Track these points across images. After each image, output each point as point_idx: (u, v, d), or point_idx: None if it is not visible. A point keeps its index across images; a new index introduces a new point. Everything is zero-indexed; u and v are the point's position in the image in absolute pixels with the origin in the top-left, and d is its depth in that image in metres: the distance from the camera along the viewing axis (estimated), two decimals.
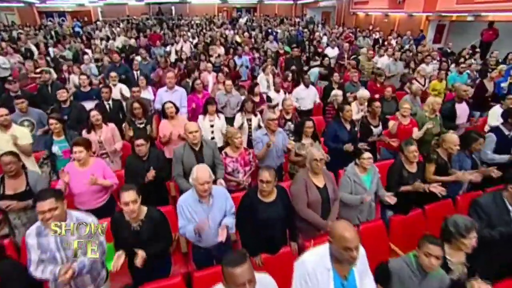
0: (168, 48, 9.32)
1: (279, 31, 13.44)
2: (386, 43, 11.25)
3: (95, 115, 3.55)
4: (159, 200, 3.11)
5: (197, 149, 3.09)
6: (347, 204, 2.98)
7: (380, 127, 4.22)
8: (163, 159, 3.30)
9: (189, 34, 11.13)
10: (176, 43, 9.45)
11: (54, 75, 6.60)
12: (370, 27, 14.61)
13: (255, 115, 4.35)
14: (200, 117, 4.16)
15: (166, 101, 3.96)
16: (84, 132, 3.63)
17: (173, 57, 9.04)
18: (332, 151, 3.76)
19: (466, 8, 11.19)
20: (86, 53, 8.20)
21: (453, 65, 7.87)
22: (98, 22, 14.60)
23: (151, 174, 2.96)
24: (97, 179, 2.78)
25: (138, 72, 6.23)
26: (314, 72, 6.69)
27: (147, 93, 5.20)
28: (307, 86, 5.53)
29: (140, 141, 3.01)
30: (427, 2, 12.32)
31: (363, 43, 11.19)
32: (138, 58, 7.54)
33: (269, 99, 5.33)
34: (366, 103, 4.96)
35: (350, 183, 2.97)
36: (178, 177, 3.11)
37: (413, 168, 3.14)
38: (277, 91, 5.36)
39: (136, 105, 3.85)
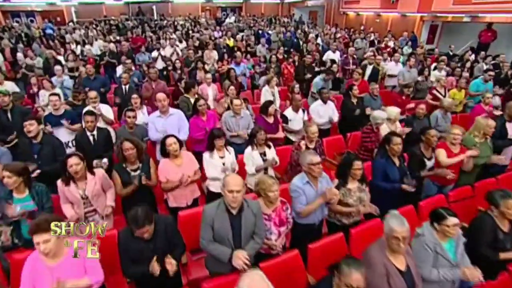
0: (153, 54, 8.21)
1: (270, 32, 12.59)
2: (383, 44, 10.66)
3: (73, 165, 2.51)
4: None
5: (234, 212, 2.19)
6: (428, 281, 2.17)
7: (433, 159, 3.44)
8: (175, 231, 2.33)
9: (174, 36, 10.08)
10: (163, 48, 8.36)
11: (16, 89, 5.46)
12: (362, 27, 14.07)
13: (269, 146, 3.47)
14: (206, 155, 3.21)
15: (166, 135, 3.01)
16: (59, 184, 2.61)
17: (159, 64, 7.98)
18: (381, 193, 2.97)
19: (463, 9, 10.75)
20: (59, 62, 6.99)
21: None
22: (71, 24, 13.11)
23: (156, 269, 2.04)
24: (66, 284, 1.82)
25: (127, 86, 5.14)
26: (318, 82, 5.83)
27: (141, 115, 4.18)
28: (325, 102, 4.71)
29: (145, 228, 2.01)
30: (422, 2, 11.83)
31: (361, 45, 10.55)
32: (119, 69, 6.46)
33: (284, 119, 4.46)
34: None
35: (431, 255, 2.16)
36: (207, 243, 2.20)
37: (506, 226, 2.37)
38: (296, 110, 4.47)
39: (127, 145, 2.76)
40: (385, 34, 12.05)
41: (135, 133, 3.61)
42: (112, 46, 8.64)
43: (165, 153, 2.95)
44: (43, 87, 5.26)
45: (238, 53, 6.82)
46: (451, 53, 9.74)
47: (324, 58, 8.52)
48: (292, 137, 4.53)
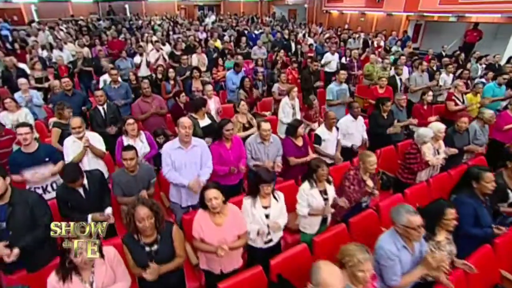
0: (136, 59, 7.14)
1: (256, 32, 11.79)
2: (376, 44, 10.25)
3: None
4: None
5: None
6: None
7: None
8: None
9: (154, 38, 8.99)
10: (146, 52, 7.28)
11: None
12: (346, 26, 13.67)
13: (329, 182, 2.76)
14: (247, 203, 2.41)
15: (206, 185, 2.20)
16: (53, 282, 1.70)
17: (143, 71, 6.95)
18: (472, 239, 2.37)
19: (449, 9, 10.62)
20: (22, 72, 5.75)
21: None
22: (34, 24, 11.45)
23: None
24: None
25: (105, 107, 4.09)
26: (332, 88, 5.14)
27: (139, 145, 3.25)
28: (355, 117, 4.05)
29: None
30: (408, 2, 11.59)
31: (354, 46, 10.07)
32: (105, 78, 5.39)
33: (317, 139, 3.73)
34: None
35: None
36: None
37: None
38: (330, 128, 3.76)
39: (142, 212, 1.84)
40: (369, 33, 11.79)
41: (139, 178, 2.70)
42: (86, 51, 7.43)
43: (204, 205, 2.13)
44: (3, 108, 4.13)
45: (240, 58, 5.96)
46: (443, 54, 9.51)
47: (324, 61, 7.91)
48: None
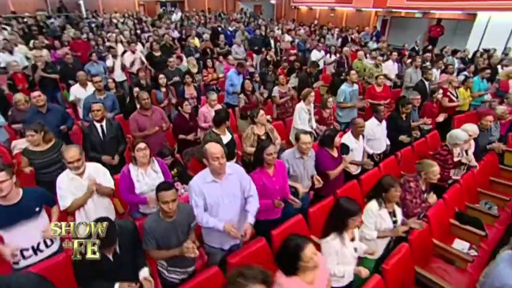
0: (108, 63, 6.19)
1: (230, 29, 11.17)
2: (356, 39, 10.22)
3: None
4: None
5: None
6: None
7: None
8: None
9: (121, 38, 7.99)
10: (118, 54, 6.34)
11: None
12: (315, 22, 13.61)
13: (398, 204, 2.40)
14: (334, 244, 1.92)
15: (305, 242, 1.58)
16: None
17: (118, 76, 6.05)
18: None
19: (416, 5, 10.96)
20: None
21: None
22: None
23: None
24: None
25: (104, 125, 3.25)
26: (345, 90, 4.83)
27: (152, 175, 2.56)
28: (380, 121, 3.75)
29: None
30: None
31: (333, 42, 9.94)
32: (77, 88, 4.50)
33: (345, 149, 3.35)
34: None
35: None
36: None
37: None
38: (357, 136, 3.40)
39: None
40: (341, 28, 11.80)
41: (178, 223, 2.04)
42: (45, 54, 6.28)
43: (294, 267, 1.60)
44: None
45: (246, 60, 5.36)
46: (416, 48, 9.76)
47: (313, 58, 7.62)
48: (352, 170, 3.50)
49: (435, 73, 6.50)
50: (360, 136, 3.46)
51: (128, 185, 2.47)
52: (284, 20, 14.63)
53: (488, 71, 6.07)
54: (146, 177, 2.51)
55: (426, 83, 5.56)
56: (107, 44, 7.54)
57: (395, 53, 7.01)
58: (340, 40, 10.33)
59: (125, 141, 3.40)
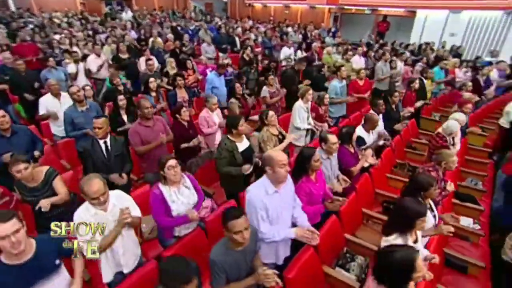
0: (70, 68, 5.43)
1: (191, 28, 10.67)
2: (316, 36, 10.50)
3: None
4: None
5: None
6: None
7: None
8: None
9: (75, 40, 7.11)
10: (78, 59, 5.58)
11: None
12: (271, 18, 13.73)
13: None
14: None
15: None
16: None
17: (83, 82, 5.33)
18: None
19: (365, 3, 11.67)
20: None
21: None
22: None
23: None
24: None
25: (108, 141, 2.80)
26: (335, 86, 4.91)
27: (185, 192, 2.24)
28: (379, 114, 3.86)
29: None
30: None
31: (295, 38, 10.08)
32: (48, 99, 3.83)
33: (360, 141, 3.38)
34: None
35: None
36: None
37: None
38: (369, 130, 3.45)
39: None
40: (298, 24, 12.07)
41: (248, 252, 1.80)
42: None
43: None
44: None
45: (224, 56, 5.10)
46: (371, 42, 10.42)
47: (282, 56, 7.64)
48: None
49: (400, 65, 6.99)
50: (371, 130, 3.53)
51: (163, 208, 2.15)
52: (239, 17, 14.48)
53: (446, 61, 6.71)
54: (180, 196, 2.22)
55: (425, 81, 5.83)
56: (62, 47, 6.62)
57: (360, 48, 7.37)
58: (301, 36, 10.55)
59: (131, 160, 2.98)
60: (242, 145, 2.96)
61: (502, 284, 2.61)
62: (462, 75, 7.10)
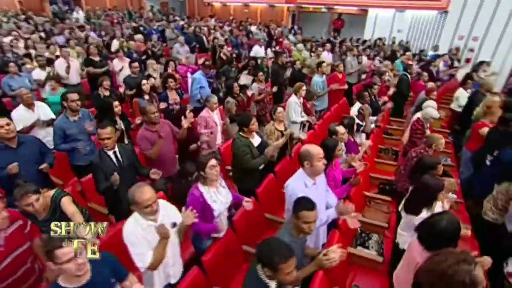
0: (36, 75, 4.90)
1: (154, 27, 10.19)
2: (279, 34, 10.74)
3: None
4: None
5: None
6: None
7: None
8: None
9: (26, 43, 6.42)
10: (44, 64, 5.05)
11: None
12: (231, 18, 13.71)
13: None
14: None
15: None
16: None
17: (46, 92, 4.85)
18: None
19: (322, 2, 12.24)
20: None
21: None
22: None
23: None
24: None
25: (117, 152, 2.60)
26: (317, 80, 5.16)
27: (222, 191, 2.25)
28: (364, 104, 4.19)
29: None
30: None
31: (261, 37, 10.23)
32: (25, 114, 3.44)
33: (359, 127, 3.63)
34: None
35: None
36: None
37: None
38: (362, 119, 3.71)
39: None
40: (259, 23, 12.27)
41: (304, 238, 1.93)
42: None
43: None
44: None
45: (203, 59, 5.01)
46: (332, 40, 10.99)
47: (254, 54, 7.73)
48: None
49: (365, 60, 7.53)
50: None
51: (204, 211, 2.11)
52: (199, 17, 14.18)
53: (409, 53, 7.42)
54: (219, 195, 2.21)
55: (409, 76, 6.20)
56: (16, 50, 5.91)
57: (328, 45, 7.78)
58: (265, 34, 10.74)
59: (144, 167, 2.81)
60: (255, 141, 3.02)
61: (486, 241, 3.05)
62: (414, 66, 7.92)
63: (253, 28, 11.15)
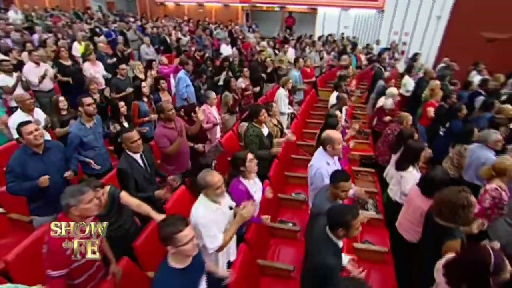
0: (5, 80, 4.43)
1: (111, 28, 9.66)
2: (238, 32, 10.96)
3: None
4: None
5: None
6: None
7: None
8: None
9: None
10: (16, 69, 4.61)
11: None
12: (186, 17, 13.53)
13: None
14: None
15: None
16: None
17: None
18: None
19: (275, 1, 12.78)
20: None
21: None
22: None
23: None
24: None
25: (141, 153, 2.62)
26: (295, 75, 5.59)
27: (258, 185, 2.53)
28: None
29: None
30: None
31: (222, 35, 10.36)
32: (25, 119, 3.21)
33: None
34: None
35: None
36: None
37: None
38: (341, 107, 4.24)
39: None
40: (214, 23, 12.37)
41: None
42: None
43: None
44: None
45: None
46: (288, 37, 11.59)
47: (225, 53, 7.90)
48: None
49: (325, 55, 8.23)
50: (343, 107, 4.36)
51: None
52: (151, 17, 13.67)
53: (359, 47, 8.28)
54: (256, 186, 2.47)
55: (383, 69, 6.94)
56: None
57: (292, 41, 8.30)
58: (226, 34, 10.90)
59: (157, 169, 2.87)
60: (264, 131, 3.32)
61: None
62: (363, 58, 8.91)
63: (212, 27, 11.22)
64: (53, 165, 2.48)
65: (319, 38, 10.63)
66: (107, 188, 2.14)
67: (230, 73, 5.54)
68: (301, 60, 5.71)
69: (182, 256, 1.51)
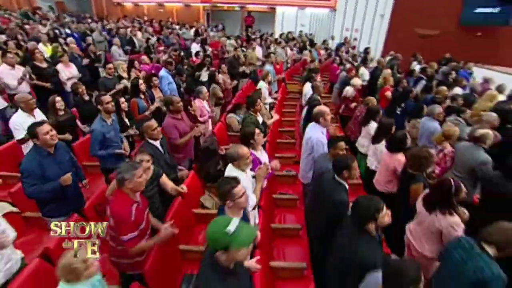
0: None
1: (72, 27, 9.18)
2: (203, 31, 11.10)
3: None
4: None
5: None
6: None
7: None
8: None
9: None
10: None
11: None
12: (145, 18, 13.26)
13: None
14: None
15: None
16: None
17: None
18: None
19: (235, 1, 13.11)
20: None
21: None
22: None
23: None
24: None
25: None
26: (270, 70, 6.06)
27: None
28: None
29: None
30: None
31: (188, 36, 10.44)
32: (28, 120, 3.16)
33: None
34: None
35: None
36: None
37: None
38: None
39: None
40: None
41: None
42: None
43: None
44: None
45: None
46: (251, 36, 12.03)
47: (194, 51, 8.08)
48: None
49: (289, 51, 8.82)
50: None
51: None
52: (107, 17, 13.10)
53: (319, 44, 9.03)
54: (263, 155, 2.87)
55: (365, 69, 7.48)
56: None
57: (258, 40, 8.76)
58: (192, 33, 10.98)
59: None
60: (259, 118, 3.73)
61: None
62: (323, 52, 9.73)
63: (177, 27, 11.21)
64: (64, 165, 2.51)
65: (280, 35, 11.25)
66: (152, 166, 2.38)
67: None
68: (272, 55, 6.21)
69: (237, 209, 1.84)
